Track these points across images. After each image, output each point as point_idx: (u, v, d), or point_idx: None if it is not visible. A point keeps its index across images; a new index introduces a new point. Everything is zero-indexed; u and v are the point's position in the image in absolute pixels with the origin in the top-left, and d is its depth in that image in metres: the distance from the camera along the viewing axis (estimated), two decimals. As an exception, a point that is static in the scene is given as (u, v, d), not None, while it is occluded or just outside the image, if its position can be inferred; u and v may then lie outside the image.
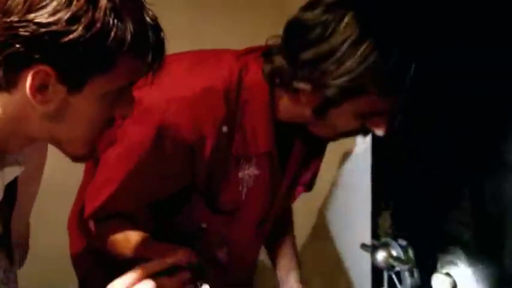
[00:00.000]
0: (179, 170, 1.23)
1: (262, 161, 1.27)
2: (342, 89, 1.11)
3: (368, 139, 1.67)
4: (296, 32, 1.15)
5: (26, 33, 0.79)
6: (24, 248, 1.25)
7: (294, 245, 1.59)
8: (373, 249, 1.44)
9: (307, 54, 1.12)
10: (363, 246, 1.49)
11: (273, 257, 1.58)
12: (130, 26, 0.83)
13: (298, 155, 1.37)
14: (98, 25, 0.80)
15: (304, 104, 1.18)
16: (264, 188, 1.31)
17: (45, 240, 1.68)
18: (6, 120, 0.88)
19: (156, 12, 0.88)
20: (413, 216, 1.54)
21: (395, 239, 1.44)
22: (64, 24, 0.79)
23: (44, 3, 0.79)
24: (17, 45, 0.79)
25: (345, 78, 1.09)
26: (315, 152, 1.42)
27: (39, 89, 0.83)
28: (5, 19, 0.79)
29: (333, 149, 1.47)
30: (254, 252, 1.51)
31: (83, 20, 0.80)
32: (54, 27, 0.79)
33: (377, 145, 1.70)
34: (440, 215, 1.43)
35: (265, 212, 1.38)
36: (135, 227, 1.24)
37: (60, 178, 1.64)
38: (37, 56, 0.80)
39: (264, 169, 1.28)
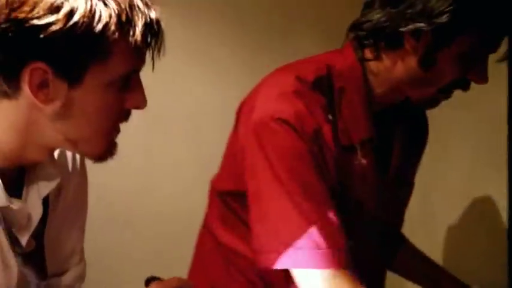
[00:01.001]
0: (324, 168, 1.15)
1: (366, 150, 1.20)
2: (453, 16, 1.08)
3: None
4: None
5: (12, 33, 0.78)
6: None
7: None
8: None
9: None
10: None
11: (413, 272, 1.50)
12: (114, 8, 0.81)
13: (399, 146, 1.30)
14: (80, 11, 0.79)
15: (409, 55, 1.14)
16: (372, 181, 1.23)
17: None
18: (16, 129, 0.87)
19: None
20: None
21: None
22: (45, 15, 0.78)
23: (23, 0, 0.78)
24: (8, 48, 0.79)
25: (455, 4, 1.07)
26: (416, 142, 1.37)
27: (40, 87, 0.82)
28: None
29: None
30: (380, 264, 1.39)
31: (63, 8, 0.78)
32: (36, 21, 0.78)
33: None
34: None
35: (380, 213, 1.28)
36: None
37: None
38: (29, 54, 0.79)
39: (369, 158, 1.21)
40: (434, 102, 1.22)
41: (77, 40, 0.79)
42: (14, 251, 0.92)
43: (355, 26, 1.18)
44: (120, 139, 0.94)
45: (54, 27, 0.78)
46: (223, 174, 1.27)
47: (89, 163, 1.02)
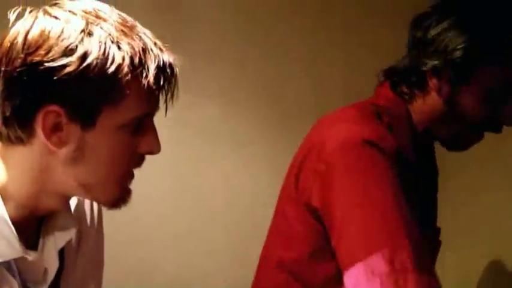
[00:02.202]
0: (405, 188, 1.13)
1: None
2: (467, 51, 1.11)
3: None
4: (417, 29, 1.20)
5: (27, 77, 0.79)
6: None
7: None
8: None
9: (432, 32, 1.15)
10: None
11: None
12: (127, 50, 0.81)
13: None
14: (94, 54, 0.79)
15: (435, 94, 1.18)
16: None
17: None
18: (30, 176, 0.86)
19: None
20: None
21: None
22: (59, 58, 0.78)
23: (40, 43, 0.79)
24: (23, 92, 0.79)
25: (468, 41, 1.11)
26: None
27: (53, 130, 0.82)
28: (8, 68, 0.79)
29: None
30: None
31: (77, 51, 0.79)
32: (50, 64, 0.78)
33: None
34: None
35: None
36: None
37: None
38: (43, 97, 0.80)
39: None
40: (466, 141, 1.23)
41: (90, 82, 0.79)
42: None
43: (387, 72, 1.24)
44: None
45: (68, 69, 0.78)
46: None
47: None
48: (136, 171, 0.92)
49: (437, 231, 1.36)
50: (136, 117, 0.85)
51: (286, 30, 2.05)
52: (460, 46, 1.11)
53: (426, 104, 1.20)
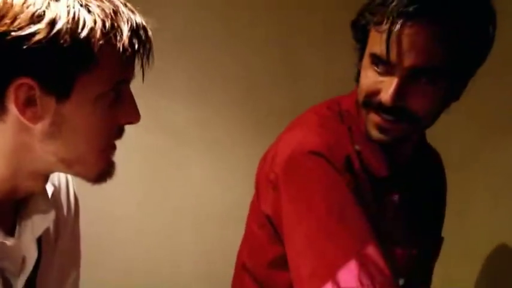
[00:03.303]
0: (359, 196, 1.07)
1: (395, 187, 1.15)
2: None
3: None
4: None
5: None
6: None
7: None
8: None
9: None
10: None
11: None
12: (98, 13, 0.78)
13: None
14: (63, 19, 0.75)
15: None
16: (403, 221, 1.16)
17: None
18: (5, 155, 0.82)
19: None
20: None
21: None
22: (27, 26, 0.74)
23: (4, 12, 0.75)
24: None
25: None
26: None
27: (27, 104, 0.78)
28: None
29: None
30: None
31: (45, 17, 0.75)
32: (18, 33, 0.74)
33: None
34: None
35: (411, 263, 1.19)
36: None
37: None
38: (13, 70, 0.76)
39: (399, 196, 1.15)
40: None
41: (62, 49, 0.75)
42: None
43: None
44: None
45: (37, 37, 0.74)
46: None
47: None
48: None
49: (439, 241, 1.29)
50: (112, 85, 0.82)
51: (262, 32, 2.03)
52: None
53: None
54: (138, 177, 1.98)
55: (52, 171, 0.90)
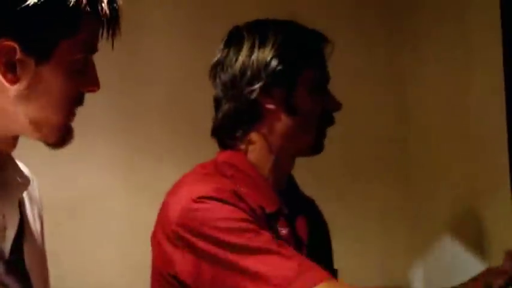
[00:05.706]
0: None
1: (283, 221, 1.23)
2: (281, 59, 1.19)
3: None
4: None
5: None
6: None
7: None
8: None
9: (237, 64, 1.20)
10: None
11: None
12: None
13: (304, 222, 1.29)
14: None
15: (272, 114, 1.22)
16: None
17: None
18: None
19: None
20: None
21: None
22: None
23: None
24: None
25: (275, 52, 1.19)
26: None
27: (8, 66, 0.81)
28: None
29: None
30: None
31: None
32: None
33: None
34: None
35: None
36: None
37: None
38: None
39: (288, 230, 1.23)
40: (322, 138, 1.26)
41: (51, 14, 0.79)
42: None
43: (214, 133, 1.27)
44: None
45: (29, 2, 0.77)
46: None
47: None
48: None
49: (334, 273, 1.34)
50: (85, 52, 0.86)
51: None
52: (270, 58, 1.18)
53: (272, 131, 1.22)
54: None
55: (21, 133, 0.91)
